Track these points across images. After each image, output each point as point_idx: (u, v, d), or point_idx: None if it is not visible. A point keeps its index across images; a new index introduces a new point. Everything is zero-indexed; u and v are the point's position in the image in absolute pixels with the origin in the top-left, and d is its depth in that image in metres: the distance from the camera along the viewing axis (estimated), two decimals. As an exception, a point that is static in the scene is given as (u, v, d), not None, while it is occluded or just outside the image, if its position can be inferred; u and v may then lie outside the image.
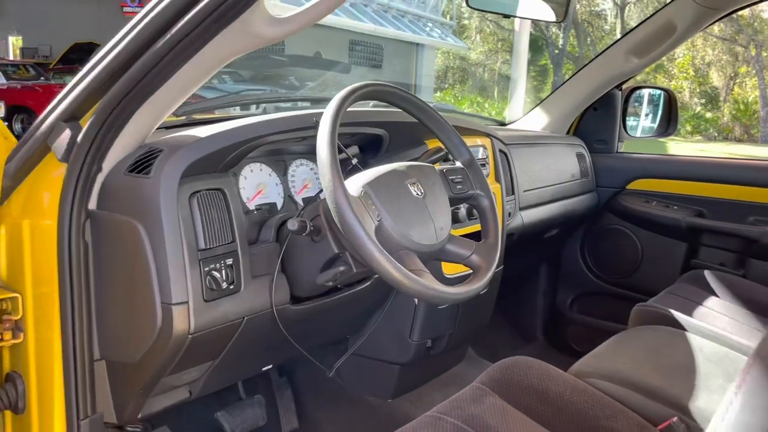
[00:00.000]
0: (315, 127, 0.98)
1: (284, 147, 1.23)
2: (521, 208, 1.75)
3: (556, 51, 18.38)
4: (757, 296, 1.66)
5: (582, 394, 1.11)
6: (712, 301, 1.62)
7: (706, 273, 1.78)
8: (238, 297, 1.02)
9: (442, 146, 1.20)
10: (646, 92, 2.31)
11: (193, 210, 0.96)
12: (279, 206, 1.21)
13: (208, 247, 0.98)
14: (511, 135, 1.80)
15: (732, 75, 18.47)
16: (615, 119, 2.16)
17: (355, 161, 1.14)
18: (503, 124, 2.33)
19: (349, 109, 1.02)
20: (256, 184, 1.17)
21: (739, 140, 17.19)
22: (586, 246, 2.24)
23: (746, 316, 1.55)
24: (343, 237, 0.98)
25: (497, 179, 1.61)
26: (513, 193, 1.70)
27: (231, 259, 1.01)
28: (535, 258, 2.25)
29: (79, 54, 10.98)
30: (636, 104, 2.35)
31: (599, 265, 2.22)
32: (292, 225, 0.96)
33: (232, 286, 1.01)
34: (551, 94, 2.19)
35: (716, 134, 17.40)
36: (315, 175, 1.29)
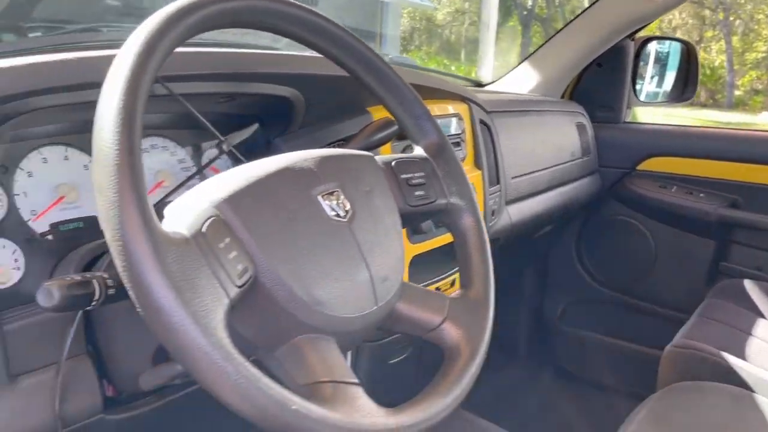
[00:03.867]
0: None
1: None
2: (508, 202, 1.26)
3: (525, 12, 17.85)
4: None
5: None
6: (764, 328, 1.20)
7: (747, 284, 1.35)
8: None
9: (393, 119, 0.69)
10: (658, 46, 1.82)
11: None
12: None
13: None
14: (494, 99, 1.30)
15: (698, 39, 18.25)
16: (624, 79, 1.67)
17: (226, 149, 0.63)
18: (480, 84, 1.82)
19: (199, 49, 0.51)
20: (52, 183, 0.65)
21: (704, 105, 17.05)
22: (582, 242, 1.77)
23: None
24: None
25: (477, 164, 1.11)
26: (498, 183, 1.21)
27: None
28: (520, 261, 1.77)
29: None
30: (642, 63, 1.87)
31: (599, 267, 1.75)
32: (46, 298, 0.44)
33: None
34: (542, 45, 1.67)
35: (682, 99, 17.28)
36: (179, 161, 0.77)
